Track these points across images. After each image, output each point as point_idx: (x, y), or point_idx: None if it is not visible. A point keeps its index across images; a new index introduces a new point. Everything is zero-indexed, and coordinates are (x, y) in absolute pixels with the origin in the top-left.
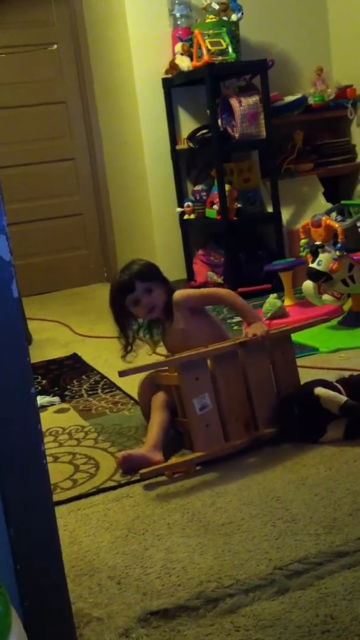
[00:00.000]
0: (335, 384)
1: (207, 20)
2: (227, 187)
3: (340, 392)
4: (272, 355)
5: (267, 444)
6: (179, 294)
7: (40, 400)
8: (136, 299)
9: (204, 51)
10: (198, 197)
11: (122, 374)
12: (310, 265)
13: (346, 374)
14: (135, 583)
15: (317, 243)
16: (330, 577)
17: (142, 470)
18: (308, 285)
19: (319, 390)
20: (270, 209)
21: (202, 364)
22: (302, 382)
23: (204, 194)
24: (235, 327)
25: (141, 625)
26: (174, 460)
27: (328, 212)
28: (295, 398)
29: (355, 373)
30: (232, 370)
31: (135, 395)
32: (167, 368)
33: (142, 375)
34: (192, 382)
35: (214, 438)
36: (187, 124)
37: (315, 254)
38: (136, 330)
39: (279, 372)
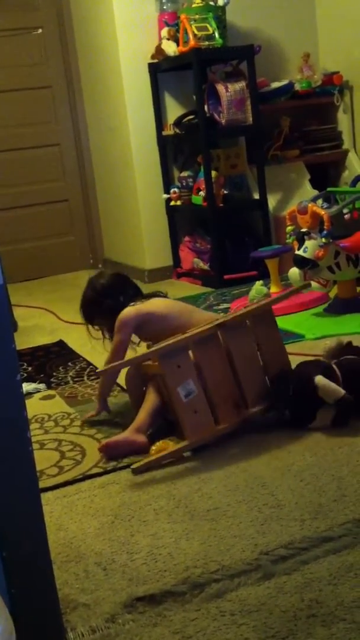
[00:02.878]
0: (333, 365)
1: (194, 5)
2: (213, 173)
3: (336, 375)
4: (255, 331)
5: (253, 430)
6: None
7: (26, 387)
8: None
9: (191, 36)
10: (184, 184)
11: (102, 373)
12: (297, 252)
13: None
14: (121, 569)
15: (303, 230)
16: (316, 562)
17: (134, 465)
18: (294, 272)
19: (320, 381)
20: (256, 196)
21: (182, 351)
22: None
23: (191, 180)
24: (221, 314)
25: (127, 610)
26: (160, 444)
27: (314, 199)
28: (293, 381)
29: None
30: (214, 352)
31: (121, 382)
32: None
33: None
34: (174, 370)
35: (204, 423)
36: (174, 110)
37: (301, 241)
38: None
39: (264, 347)
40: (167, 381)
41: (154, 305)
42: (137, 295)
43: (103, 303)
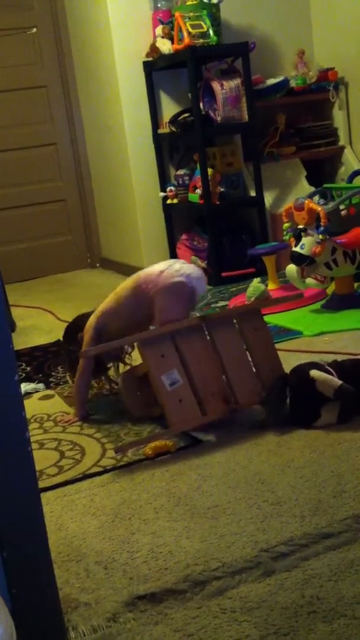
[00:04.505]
0: (328, 367)
1: (188, 3)
2: (209, 171)
3: (332, 374)
4: (243, 332)
5: (251, 427)
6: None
7: (25, 387)
8: None
9: (185, 34)
10: (181, 182)
11: (84, 353)
12: (294, 248)
13: (330, 357)
14: (122, 568)
15: (300, 227)
16: (316, 559)
17: (116, 446)
18: (291, 268)
19: (315, 373)
20: (253, 193)
21: (165, 341)
22: (285, 365)
23: (187, 178)
24: (218, 311)
25: (129, 609)
26: (156, 444)
27: (311, 196)
28: (288, 381)
29: (347, 357)
30: (200, 345)
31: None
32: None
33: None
34: (157, 359)
35: (189, 412)
36: (169, 108)
37: (298, 238)
38: None
39: (254, 350)
40: (151, 369)
41: (102, 305)
42: None
43: (70, 352)
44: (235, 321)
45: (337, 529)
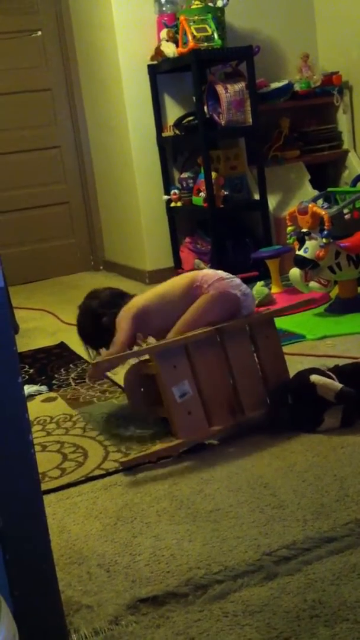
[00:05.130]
0: (329, 372)
1: (193, 7)
2: (213, 174)
3: (333, 378)
4: (255, 340)
5: (255, 431)
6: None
7: (28, 389)
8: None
9: (190, 37)
10: (185, 185)
11: (95, 365)
12: (297, 252)
13: (333, 361)
14: (124, 571)
15: (304, 230)
16: (318, 563)
17: (122, 459)
18: (295, 272)
19: (315, 378)
20: (257, 196)
21: (179, 352)
22: (290, 369)
23: (191, 181)
24: None
25: (130, 612)
26: (159, 446)
27: (315, 199)
28: (289, 387)
29: (347, 361)
30: (212, 356)
31: (123, 383)
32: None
33: (127, 367)
34: (170, 370)
35: (197, 425)
36: (173, 111)
37: (302, 241)
38: None
39: (263, 358)
40: (163, 380)
41: (144, 298)
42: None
43: (100, 324)
44: (247, 328)
45: (339, 533)
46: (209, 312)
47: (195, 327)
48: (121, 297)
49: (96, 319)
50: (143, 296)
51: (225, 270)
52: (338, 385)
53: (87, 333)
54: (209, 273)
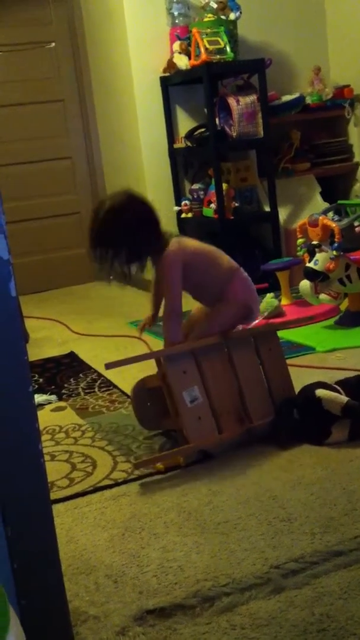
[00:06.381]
0: (335, 386)
1: (205, 19)
2: (224, 186)
3: (339, 392)
4: (259, 351)
5: (263, 442)
6: (167, 252)
7: (37, 398)
8: (100, 260)
9: (202, 50)
10: (195, 196)
11: (108, 366)
12: (307, 264)
13: (342, 374)
14: (131, 581)
15: (314, 242)
16: (326, 576)
17: (135, 461)
18: (305, 284)
19: (320, 392)
20: (267, 208)
21: (189, 358)
22: (298, 381)
23: (202, 192)
24: None
25: (137, 623)
26: (171, 450)
27: (325, 212)
28: (296, 402)
29: (352, 374)
30: (218, 363)
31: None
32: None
33: (136, 378)
34: (179, 375)
35: (207, 430)
36: (185, 123)
37: (312, 254)
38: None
39: (268, 370)
40: (173, 385)
41: (193, 245)
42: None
43: (138, 235)
44: (252, 340)
45: (347, 546)
46: (228, 324)
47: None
48: (158, 226)
49: (143, 225)
50: (189, 242)
51: None
52: (344, 398)
53: (128, 233)
54: (240, 268)
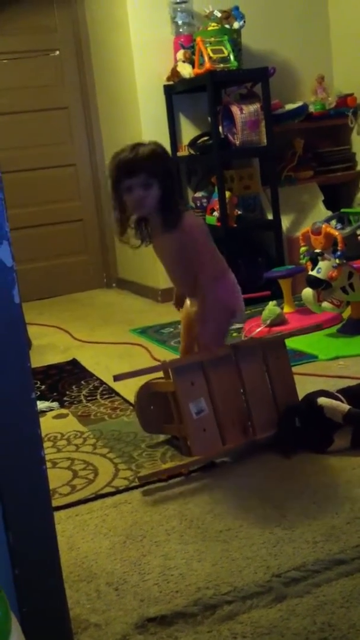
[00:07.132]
0: (337, 394)
1: (209, 28)
2: (227, 194)
3: (341, 400)
4: (266, 361)
5: (266, 451)
6: (189, 218)
7: (39, 405)
8: (130, 186)
9: (206, 58)
10: (198, 204)
11: (116, 378)
12: (310, 272)
13: (345, 382)
14: (133, 589)
15: (317, 251)
16: (328, 585)
17: (140, 474)
18: (307, 292)
19: (322, 400)
20: (270, 216)
21: (197, 369)
22: (301, 389)
23: (205, 200)
24: (234, 334)
25: (139, 631)
26: (175, 462)
27: (328, 220)
28: (297, 411)
29: (355, 382)
30: (226, 375)
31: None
32: (162, 375)
33: (138, 385)
34: (187, 387)
35: (211, 442)
36: (188, 131)
37: (314, 262)
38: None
39: (274, 378)
40: (180, 396)
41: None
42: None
43: (168, 173)
44: (261, 350)
45: (349, 555)
46: (220, 331)
47: (213, 336)
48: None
49: (177, 176)
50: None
51: None
52: (345, 406)
53: (168, 174)
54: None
